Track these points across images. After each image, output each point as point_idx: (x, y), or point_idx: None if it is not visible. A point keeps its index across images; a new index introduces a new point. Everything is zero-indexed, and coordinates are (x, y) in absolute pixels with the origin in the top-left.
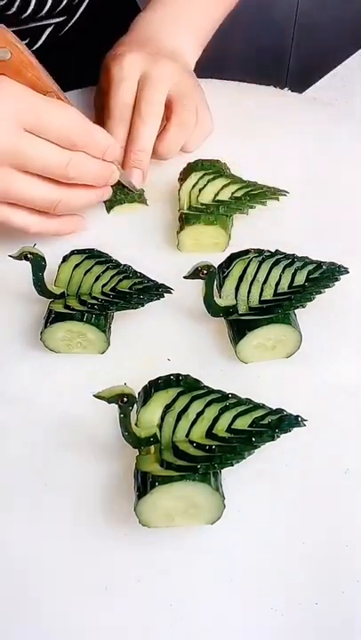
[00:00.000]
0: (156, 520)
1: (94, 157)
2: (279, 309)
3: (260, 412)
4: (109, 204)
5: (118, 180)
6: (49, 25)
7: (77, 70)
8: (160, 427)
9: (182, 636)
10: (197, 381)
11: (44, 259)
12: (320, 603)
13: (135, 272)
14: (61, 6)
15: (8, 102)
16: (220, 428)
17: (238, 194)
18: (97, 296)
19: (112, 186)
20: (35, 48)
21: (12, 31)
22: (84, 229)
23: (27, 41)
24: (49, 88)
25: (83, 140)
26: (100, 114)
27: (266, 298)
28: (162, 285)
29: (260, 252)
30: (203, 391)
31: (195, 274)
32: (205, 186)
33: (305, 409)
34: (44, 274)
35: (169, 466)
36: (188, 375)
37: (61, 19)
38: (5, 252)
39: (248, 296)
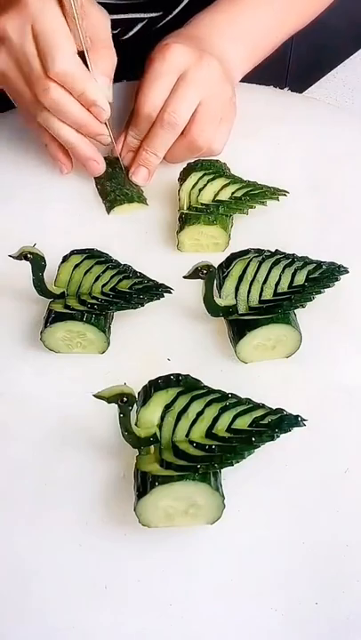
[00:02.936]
0: (156, 520)
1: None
2: (279, 309)
3: (260, 412)
4: (109, 205)
5: (123, 180)
6: (142, 19)
7: None
8: (160, 427)
9: (182, 636)
10: (197, 381)
11: (43, 259)
12: (320, 603)
13: (135, 272)
14: None
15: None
16: (220, 427)
17: (238, 194)
18: (97, 296)
19: (113, 185)
20: (126, 37)
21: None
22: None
23: (117, 31)
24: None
25: (66, 72)
26: None
27: (266, 298)
28: (162, 285)
29: (259, 251)
30: (203, 391)
31: (195, 274)
32: (205, 186)
33: (305, 409)
34: (44, 274)
35: (169, 466)
36: (188, 375)
37: (157, 14)
38: (5, 252)
39: (248, 296)
